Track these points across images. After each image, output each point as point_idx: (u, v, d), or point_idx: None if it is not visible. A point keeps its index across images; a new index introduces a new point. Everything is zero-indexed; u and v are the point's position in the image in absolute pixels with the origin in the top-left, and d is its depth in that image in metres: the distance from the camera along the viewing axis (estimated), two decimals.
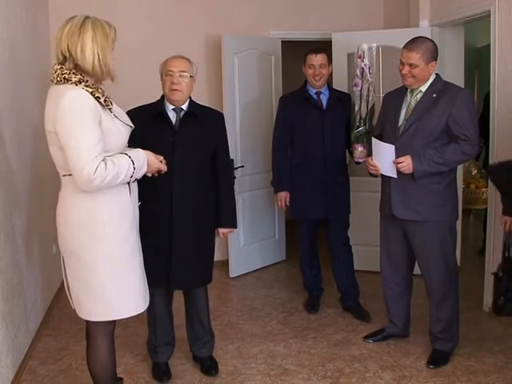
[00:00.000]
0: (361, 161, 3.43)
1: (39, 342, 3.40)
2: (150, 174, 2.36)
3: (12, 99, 3.16)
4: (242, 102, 4.57)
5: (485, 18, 3.76)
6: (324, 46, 3.90)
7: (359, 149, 3.42)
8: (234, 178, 4.45)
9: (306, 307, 3.92)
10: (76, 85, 2.07)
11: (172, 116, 2.79)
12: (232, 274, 4.65)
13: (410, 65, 2.85)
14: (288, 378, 2.98)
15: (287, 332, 3.56)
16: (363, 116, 3.38)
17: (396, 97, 3.07)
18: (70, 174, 2.12)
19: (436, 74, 2.95)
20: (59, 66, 2.11)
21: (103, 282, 2.21)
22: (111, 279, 2.21)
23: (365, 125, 3.38)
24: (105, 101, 2.13)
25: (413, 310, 3.38)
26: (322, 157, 3.63)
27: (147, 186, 2.46)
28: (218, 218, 2.93)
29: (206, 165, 2.85)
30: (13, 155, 3.11)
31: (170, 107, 2.80)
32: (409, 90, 2.99)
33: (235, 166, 4.49)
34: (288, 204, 3.78)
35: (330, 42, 4.56)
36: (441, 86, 2.92)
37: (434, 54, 2.88)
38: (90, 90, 2.08)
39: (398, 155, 2.88)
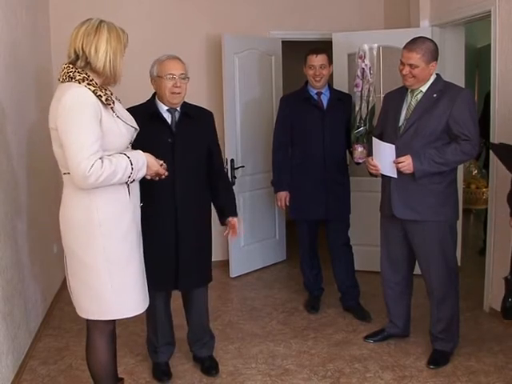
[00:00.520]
0: (361, 161, 3.43)
1: (39, 342, 3.40)
2: (149, 177, 2.36)
3: (12, 99, 3.16)
4: (243, 102, 4.57)
5: (485, 18, 3.77)
6: (324, 46, 3.90)
7: (359, 149, 3.42)
8: (235, 177, 4.47)
9: (307, 307, 3.93)
10: (79, 83, 2.10)
11: (167, 117, 2.78)
12: (232, 274, 4.65)
13: (411, 65, 2.85)
14: (288, 378, 2.98)
15: (287, 332, 3.56)
16: (363, 116, 3.38)
17: (396, 97, 3.07)
18: (69, 173, 2.13)
19: (436, 74, 2.95)
20: (66, 65, 2.14)
21: (101, 282, 2.21)
22: (109, 279, 2.21)
23: (365, 125, 3.38)
24: (106, 100, 2.14)
25: (413, 310, 3.38)
26: (322, 157, 3.63)
27: (150, 188, 2.46)
28: (224, 210, 2.92)
29: (203, 164, 2.87)
30: (13, 155, 3.11)
31: (164, 108, 2.78)
32: (409, 90, 2.99)
33: (235, 166, 4.49)
34: (288, 204, 3.78)
35: (331, 42, 4.56)
36: (441, 86, 2.92)
37: (434, 55, 2.88)
38: (93, 88, 2.10)
39: (398, 155, 2.88)
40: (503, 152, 2.84)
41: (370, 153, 3.21)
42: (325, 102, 3.69)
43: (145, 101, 2.85)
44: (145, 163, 2.27)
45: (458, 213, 3.09)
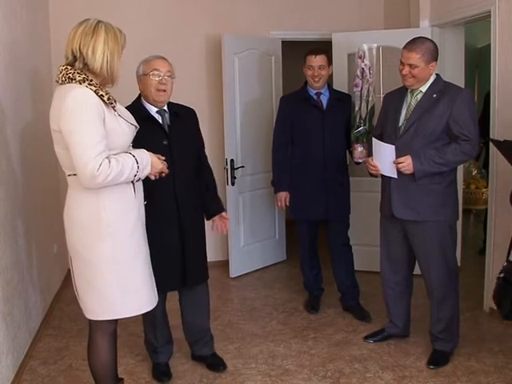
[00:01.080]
0: (360, 161, 3.43)
1: (39, 342, 3.40)
2: (153, 177, 2.37)
3: (12, 99, 3.16)
4: (243, 102, 4.57)
5: (485, 18, 3.76)
6: (324, 47, 3.90)
7: (359, 149, 3.42)
8: (234, 178, 4.47)
9: (307, 307, 3.92)
10: (80, 83, 2.10)
11: (158, 118, 2.78)
12: (232, 274, 4.65)
13: (410, 65, 2.85)
14: (288, 379, 2.98)
15: (287, 332, 3.56)
16: (363, 116, 3.38)
17: (396, 97, 3.07)
18: (74, 174, 2.13)
19: (436, 74, 2.95)
20: (64, 67, 2.14)
21: (107, 282, 2.21)
22: (115, 279, 2.22)
23: (365, 125, 3.38)
24: (108, 99, 2.15)
25: (413, 310, 3.38)
26: (322, 157, 3.63)
27: (152, 188, 2.47)
28: (213, 206, 2.97)
29: (196, 163, 2.90)
30: (13, 155, 3.11)
31: (153, 110, 2.77)
32: (409, 91, 2.99)
33: (235, 166, 4.49)
34: (288, 204, 3.79)
35: (331, 42, 4.56)
36: (441, 86, 2.92)
37: (434, 55, 2.88)
38: (94, 88, 2.11)
39: (398, 155, 2.88)
40: (505, 148, 2.84)
41: (369, 152, 3.22)
42: (324, 102, 3.69)
43: (130, 102, 2.81)
44: (149, 161, 2.28)
45: (458, 213, 3.09)
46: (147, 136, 2.59)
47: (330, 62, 3.71)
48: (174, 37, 4.58)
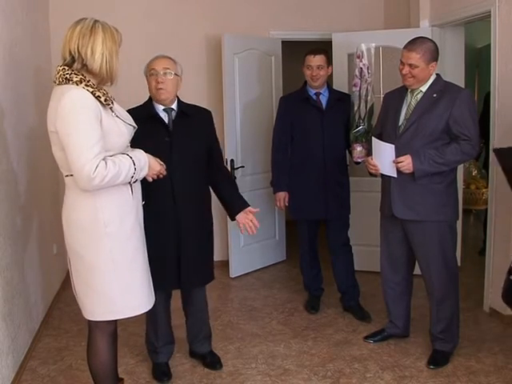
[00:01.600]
0: (360, 160, 3.43)
1: (39, 342, 3.40)
2: (150, 179, 2.37)
3: (12, 99, 3.16)
4: (243, 102, 4.57)
5: (485, 18, 3.77)
6: (324, 47, 3.90)
7: (358, 148, 3.42)
8: (235, 177, 4.46)
9: (307, 307, 3.92)
10: (77, 84, 2.09)
11: (164, 117, 2.79)
12: (232, 275, 4.65)
13: (410, 65, 2.86)
14: (288, 379, 2.98)
15: (287, 332, 3.56)
16: (362, 116, 3.38)
17: (396, 96, 3.07)
18: (72, 175, 2.13)
19: (436, 74, 2.95)
20: (62, 67, 2.13)
21: (106, 282, 2.21)
22: (114, 279, 2.22)
23: (364, 124, 3.38)
24: (105, 100, 2.14)
25: (413, 310, 3.38)
26: (321, 157, 3.63)
27: (149, 188, 2.46)
28: (233, 203, 2.93)
29: (202, 162, 2.87)
30: (14, 155, 3.11)
31: (160, 108, 2.79)
32: (409, 90, 2.99)
33: (235, 166, 4.49)
34: (287, 204, 3.78)
35: (331, 42, 4.56)
36: (441, 86, 2.92)
37: (434, 55, 2.88)
38: (91, 89, 2.10)
39: (398, 155, 2.88)
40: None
41: (369, 152, 3.22)
42: (324, 102, 3.69)
43: (141, 103, 2.86)
44: (146, 162, 2.28)
45: (458, 213, 3.09)
46: (151, 133, 2.64)
47: (329, 62, 3.71)
48: (174, 37, 4.58)
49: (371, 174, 3.14)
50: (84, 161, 2.02)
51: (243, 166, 4.58)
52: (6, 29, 3.11)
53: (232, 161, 4.46)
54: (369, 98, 3.37)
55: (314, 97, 3.69)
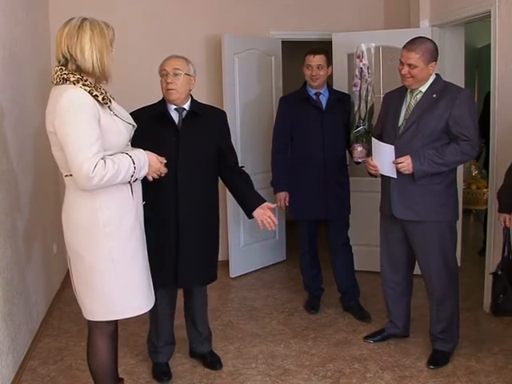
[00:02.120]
0: (360, 160, 3.43)
1: (40, 342, 3.40)
2: (150, 178, 2.36)
3: (13, 99, 3.16)
4: (242, 102, 4.57)
5: (485, 18, 3.76)
6: (324, 47, 3.90)
7: (358, 149, 3.42)
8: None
9: (306, 307, 3.92)
10: (74, 84, 2.09)
11: (174, 116, 2.79)
12: (232, 275, 4.65)
13: (410, 65, 2.85)
14: (288, 379, 2.98)
15: (287, 332, 3.56)
16: (362, 116, 3.38)
17: (396, 97, 3.07)
18: (71, 175, 2.12)
19: (436, 74, 2.95)
20: (59, 67, 2.13)
21: (105, 283, 2.21)
22: (114, 279, 2.21)
23: (364, 125, 3.38)
24: (103, 99, 2.14)
25: (413, 310, 3.38)
26: (321, 157, 3.63)
27: (152, 186, 2.45)
28: (249, 201, 2.86)
29: (210, 163, 2.85)
30: (14, 155, 3.11)
31: (171, 107, 2.80)
32: (409, 90, 2.98)
33: None
34: (287, 204, 3.78)
35: (331, 42, 4.56)
36: (441, 87, 2.92)
37: (433, 55, 2.88)
38: (88, 88, 2.10)
39: (397, 155, 2.88)
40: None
41: (369, 152, 3.22)
42: (324, 103, 3.69)
43: (155, 101, 2.87)
44: (146, 162, 2.27)
45: (458, 213, 3.09)
46: (159, 131, 2.68)
47: (329, 62, 3.71)
48: (174, 37, 4.58)
49: (371, 175, 3.14)
50: (82, 160, 2.02)
51: (243, 166, 4.54)
52: (5, 29, 3.11)
53: None
54: (369, 98, 3.37)
55: (314, 97, 3.69)
